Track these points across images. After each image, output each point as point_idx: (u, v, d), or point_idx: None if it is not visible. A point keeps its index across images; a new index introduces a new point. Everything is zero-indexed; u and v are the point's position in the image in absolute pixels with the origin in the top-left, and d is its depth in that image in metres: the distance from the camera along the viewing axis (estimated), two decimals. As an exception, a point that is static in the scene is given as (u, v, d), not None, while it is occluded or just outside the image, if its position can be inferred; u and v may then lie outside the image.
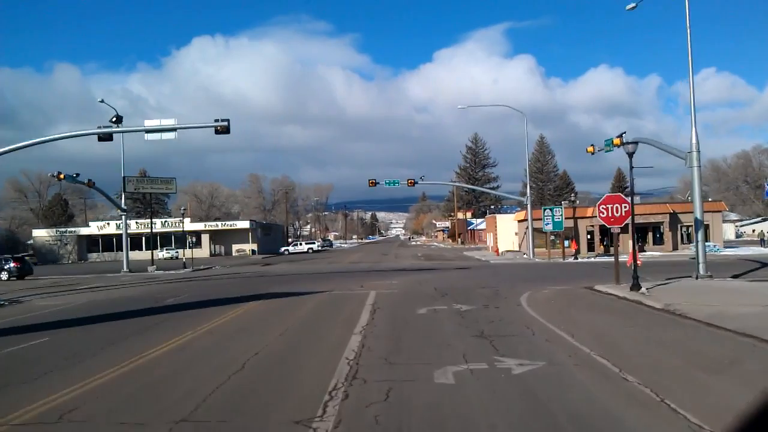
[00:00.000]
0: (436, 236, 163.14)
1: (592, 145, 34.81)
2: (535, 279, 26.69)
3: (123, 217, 46.98)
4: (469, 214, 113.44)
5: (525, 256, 53.01)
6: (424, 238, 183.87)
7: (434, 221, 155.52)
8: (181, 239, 77.99)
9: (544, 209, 45.96)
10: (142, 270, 47.05)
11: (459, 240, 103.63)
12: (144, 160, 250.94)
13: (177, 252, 74.21)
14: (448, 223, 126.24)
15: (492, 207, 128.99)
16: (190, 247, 50.79)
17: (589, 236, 53.64)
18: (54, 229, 78.61)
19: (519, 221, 58.10)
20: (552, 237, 54.74)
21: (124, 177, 45.46)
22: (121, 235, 79.66)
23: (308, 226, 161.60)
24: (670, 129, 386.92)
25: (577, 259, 45.17)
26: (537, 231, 52.30)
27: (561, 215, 45.31)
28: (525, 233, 55.12)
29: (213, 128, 22.54)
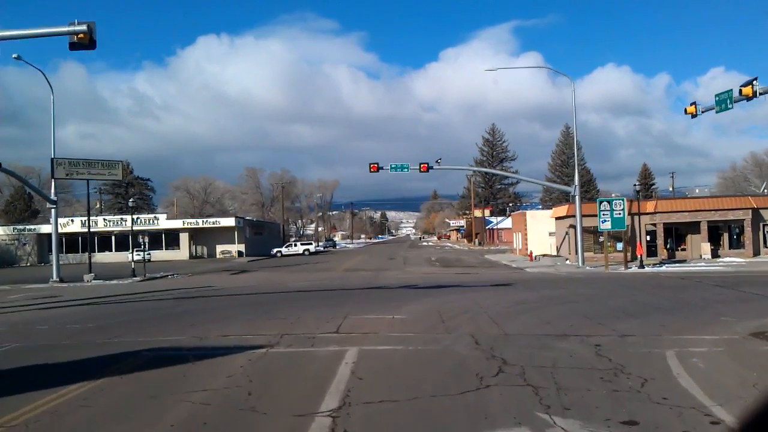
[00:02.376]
0: (449, 236, 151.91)
1: (693, 103, 23.83)
2: (630, 311, 15.80)
3: (53, 211, 36.56)
4: (487, 212, 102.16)
5: (568, 262, 42.01)
6: (435, 238, 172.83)
7: (447, 220, 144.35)
8: (157, 237, 67.82)
9: (600, 202, 34.93)
10: (77, 279, 36.68)
11: (476, 241, 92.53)
12: (151, 160, 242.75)
13: (149, 254, 63.85)
14: (463, 222, 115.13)
15: (510, 204, 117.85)
16: (143, 249, 40.26)
17: (648, 237, 42.53)
18: (11, 227, 68.49)
19: (557, 218, 47.05)
20: (601, 238, 43.70)
21: (52, 159, 35.06)
22: (89, 234, 69.88)
23: (312, 225, 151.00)
24: (680, 129, 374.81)
25: (643, 267, 34.10)
26: (584, 230, 41.40)
27: (623, 210, 34.26)
28: (567, 233, 44.11)
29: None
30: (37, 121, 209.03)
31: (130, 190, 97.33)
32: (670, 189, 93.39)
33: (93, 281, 36.39)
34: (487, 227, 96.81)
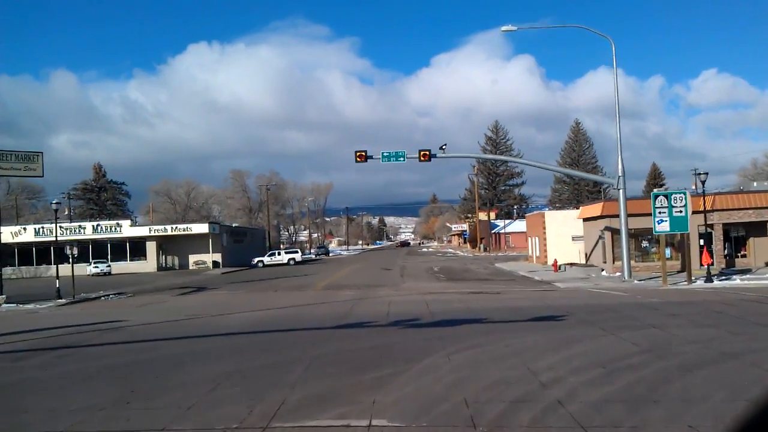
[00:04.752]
0: (450, 241, 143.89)
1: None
2: None
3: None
4: (492, 215, 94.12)
5: (604, 273, 34.02)
6: (435, 243, 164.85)
7: (448, 224, 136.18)
8: (120, 246, 59.58)
9: (656, 196, 26.88)
10: (-15, 301, 28.72)
11: (481, 246, 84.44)
12: (147, 167, 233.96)
13: (109, 267, 55.79)
14: (465, 226, 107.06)
15: (516, 207, 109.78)
16: (69, 261, 32.28)
17: (701, 241, 34.52)
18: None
19: (586, 219, 39.00)
20: (644, 244, 35.76)
21: (-54, 149, 27.12)
22: (44, 243, 61.87)
23: (306, 231, 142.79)
24: (674, 131, 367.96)
25: (711, 281, 26.12)
26: (615, 232, 33.58)
27: (685, 206, 26.26)
28: (601, 237, 36.11)
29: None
30: (32, 130, 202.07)
31: (102, 194, 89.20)
32: (693, 187, 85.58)
33: (4, 305, 28.45)
34: (492, 231, 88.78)
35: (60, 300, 29.61)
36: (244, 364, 10.58)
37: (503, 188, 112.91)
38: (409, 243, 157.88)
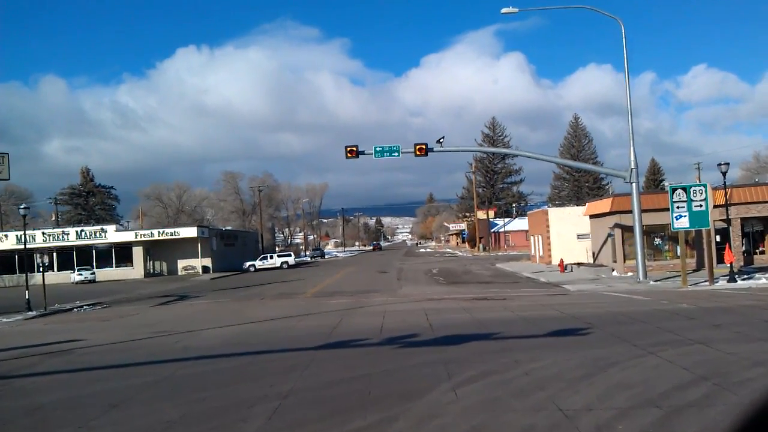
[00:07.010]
0: (448, 241, 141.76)
1: None
2: None
3: None
4: (491, 214, 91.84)
5: (615, 273, 31.87)
6: (433, 243, 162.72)
7: (446, 223, 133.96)
8: (105, 252, 57.09)
9: (674, 189, 24.68)
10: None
11: (480, 246, 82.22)
12: (141, 172, 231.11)
13: (93, 274, 53.41)
14: (464, 225, 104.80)
15: (515, 205, 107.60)
16: (40, 270, 29.99)
17: (718, 237, 32.42)
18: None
19: (593, 216, 36.81)
20: (656, 241, 33.63)
21: None
22: (27, 250, 59.24)
23: (301, 233, 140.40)
24: (666, 127, 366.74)
25: (735, 281, 23.97)
26: (626, 229, 31.61)
27: (705, 200, 24.06)
28: (610, 235, 33.94)
29: None
30: (23, 137, 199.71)
31: (90, 199, 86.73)
32: (696, 182, 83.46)
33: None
34: (491, 230, 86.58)
35: (30, 312, 27.30)
36: (196, 406, 8.34)
37: (501, 186, 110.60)
38: (381, 246, 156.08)
